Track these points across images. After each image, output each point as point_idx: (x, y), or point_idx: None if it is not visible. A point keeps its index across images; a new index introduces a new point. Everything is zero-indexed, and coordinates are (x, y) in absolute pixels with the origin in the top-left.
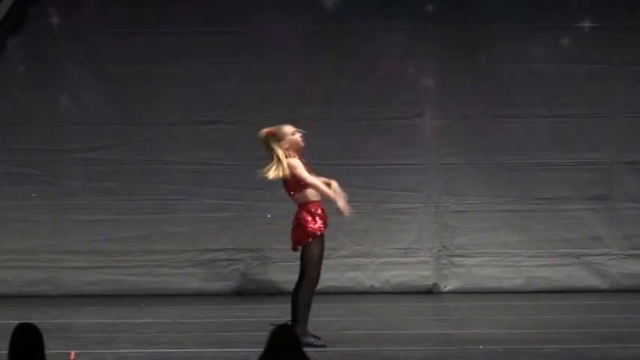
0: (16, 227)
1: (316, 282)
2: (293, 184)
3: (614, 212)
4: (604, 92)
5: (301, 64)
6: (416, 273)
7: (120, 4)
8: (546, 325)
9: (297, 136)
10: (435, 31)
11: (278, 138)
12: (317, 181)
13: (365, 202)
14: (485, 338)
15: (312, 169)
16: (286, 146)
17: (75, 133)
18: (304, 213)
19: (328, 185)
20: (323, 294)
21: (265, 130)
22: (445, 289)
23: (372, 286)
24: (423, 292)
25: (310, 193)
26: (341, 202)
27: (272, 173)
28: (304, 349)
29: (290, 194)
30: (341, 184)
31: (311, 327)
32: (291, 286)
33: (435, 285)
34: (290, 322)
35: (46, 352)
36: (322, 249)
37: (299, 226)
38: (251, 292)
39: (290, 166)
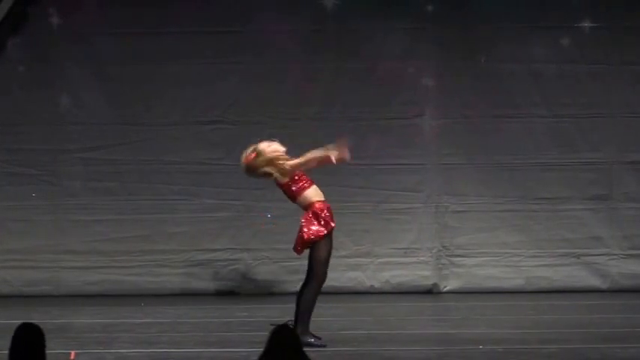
0: (16, 227)
1: (323, 282)
2: (290, 191)
3: (614, 212)
4: (604, 92)
5: (301, 64)
6: (416, 273)
7: (120, 4)
8: (546, 325)
9: (275, 144)
10: (435, 31)
11: (261, 158)
12: (306, 156)
13: (365, 202)
14: (485, 338)
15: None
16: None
17: (75, 133)
18: (309, 215)
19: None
20: (323, 294)
21: (244, 161)
22: (445, 289)
23: (372, 286)
24: (423, 292)
25: (311, 194)
26: (338, 153)
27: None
28: (304, 349)
29: (293, 201)
30: (341, 184)
31: (311, 327)
32: (291, 286)
33: (435, 285)
34: (290, 322)
35: (47, 352)
36: (330, 249)
37: (302, 229)
38: (251, 292)
39: (279, 164)
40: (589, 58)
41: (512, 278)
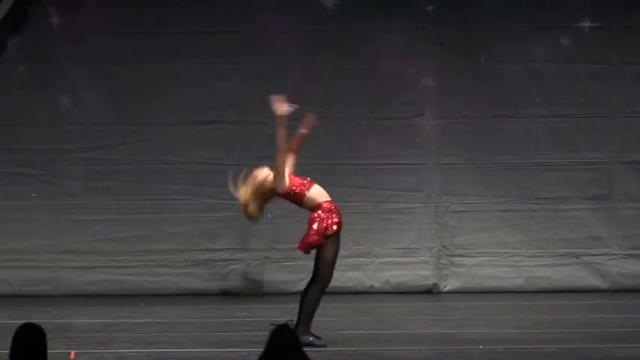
0: (16, 227)
1: (328, 283)
2: (293, 196)
3: (614, 212)
4: (604, 92)
5: (301, 64)
6: (416, 273)
7: (120, 4)
8: (546, 325)
9: (266, 170)
10: (435, 31)
11: (259, 186)
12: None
13: (365, 202)
14: (485, 338)
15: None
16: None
17: (75, 133)
18: (314, 215)
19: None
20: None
21: (242, 202)
22: (445, 289)
23: (372, 286)
24: (423, 292)
25: (316, 194)
26: (276, 109)
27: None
28: (304, 349)
29: (301, 206)
30: (341, 184)
31: (311, 327)
32: (291, 286)
33: (435, 285)
34: (290, 322)
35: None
36: (337, 249)
37: (310, 228)
38: (251, 292)
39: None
40: (589, 58)
41: (512, 278)
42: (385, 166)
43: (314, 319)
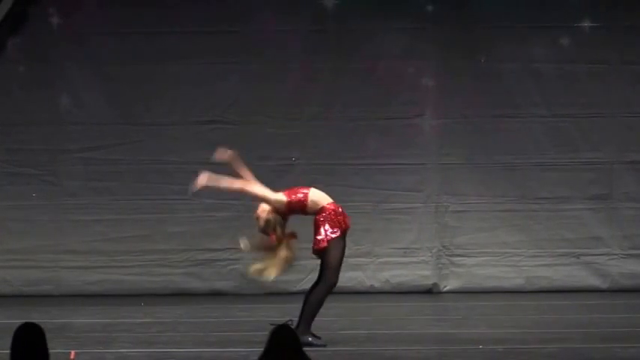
0: (16, 227)
1: (334, 286)
2: (296, 205)
3: (614, 212)
4: (604, 92)
5: (301, 64)
6: (416, 273)
7: (120, 4)
8: (546, 325)
9: (260, 208)
10: (435, 31)
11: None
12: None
13: (365, 202)
14: (485, 338)
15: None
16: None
17: (75, 133)
18: (318, 220)
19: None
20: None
21: (256, 270)
22: (445, 289)
23: (372, 285)
24: (422, 292)
25: (317, 198)
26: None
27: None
28: (304, 349)
29: (306, 214)
30: (341, 184)
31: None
32: (291, 286)
33: (435, 285)
34: (290, 322)
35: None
36: (343, 252)
37: (318, 232)
38: (251, 292)
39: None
40: (589, 58)
41: (512, 278)
42: (385, 166)
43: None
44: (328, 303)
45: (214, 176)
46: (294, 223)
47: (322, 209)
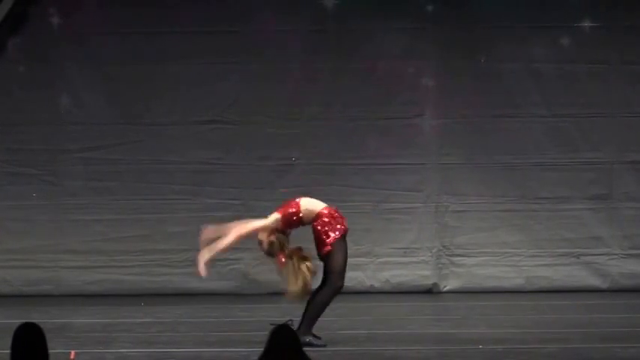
0: (16, 227)
1: (339, 289)
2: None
3: (614, 212)
4: (604, 92)
5: (301, 64)
6: (416, 273)
7: (120, 4)
8: (546, 325)
9: (265, 236)
10: (435, 31)
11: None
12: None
13: (365, 202)
14: (485, 338)
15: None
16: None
17: (75, 133)
18: (316, 227)
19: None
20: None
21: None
22: (445, 289)
23: (372, 285)
24: (422, 292)
25: (312, 206)
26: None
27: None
28: (304, 348)
29: (304, 224)
30: (341, 184)
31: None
32: None
33: (435, 285)
34: (290, 321)
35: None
36: (345, 255)
37: (320, 238)
38: (251, 292)
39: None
40: (589, 58)
41: (512, 278)
42: (385, 166)
43: None
44: None
45: (206, 250)
46: (294, 236)
47: (318, 215)
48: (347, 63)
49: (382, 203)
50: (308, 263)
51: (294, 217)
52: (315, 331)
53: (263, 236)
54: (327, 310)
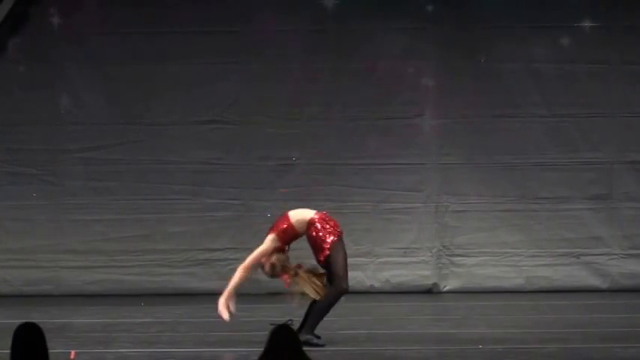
0: (16, 227)
1: (344, 292)
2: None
3: (614, 212)
4: (604, 92)
5: (301, 64)
6: (416, 273)
7: (120, 4)
8: (546, 325)
9: (265, 259)
10: (435, 31)
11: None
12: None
13: (365, 202)
14: (485, 338)
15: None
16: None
17: (75, 133)
18: (311, 235)
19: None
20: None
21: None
22: (445, 289)
23: (372, 285)
24: (422, 292)
25: (302, 215)
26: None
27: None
28: (304, 348)
29: (300, 236)
30: (341, 184)
31: None
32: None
33: (435, 285)
34: (290, 321)
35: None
36: (344, 257)
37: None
38: (251, 292)
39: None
40: (589, 57)
41: (512, 278)
42: (385, 166)
43: None
44: None
45: (224, 297)
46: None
47: (310, 223)
48: (347, 63)
49: (382, 203)
50: (315, 271)
51: (289, 231)
52: (315, 331)
53: (263, 260)
54: None
